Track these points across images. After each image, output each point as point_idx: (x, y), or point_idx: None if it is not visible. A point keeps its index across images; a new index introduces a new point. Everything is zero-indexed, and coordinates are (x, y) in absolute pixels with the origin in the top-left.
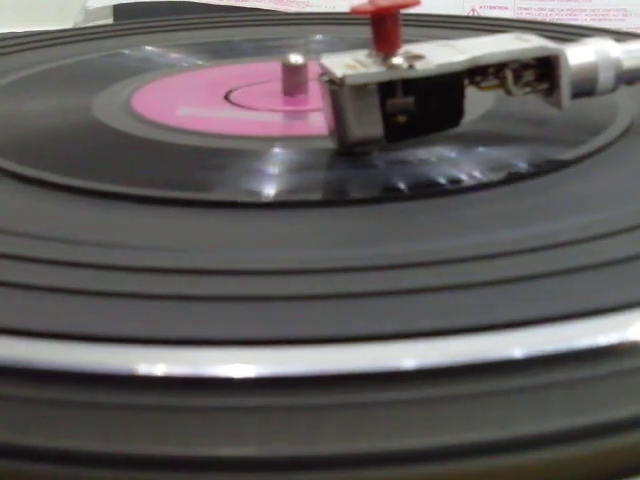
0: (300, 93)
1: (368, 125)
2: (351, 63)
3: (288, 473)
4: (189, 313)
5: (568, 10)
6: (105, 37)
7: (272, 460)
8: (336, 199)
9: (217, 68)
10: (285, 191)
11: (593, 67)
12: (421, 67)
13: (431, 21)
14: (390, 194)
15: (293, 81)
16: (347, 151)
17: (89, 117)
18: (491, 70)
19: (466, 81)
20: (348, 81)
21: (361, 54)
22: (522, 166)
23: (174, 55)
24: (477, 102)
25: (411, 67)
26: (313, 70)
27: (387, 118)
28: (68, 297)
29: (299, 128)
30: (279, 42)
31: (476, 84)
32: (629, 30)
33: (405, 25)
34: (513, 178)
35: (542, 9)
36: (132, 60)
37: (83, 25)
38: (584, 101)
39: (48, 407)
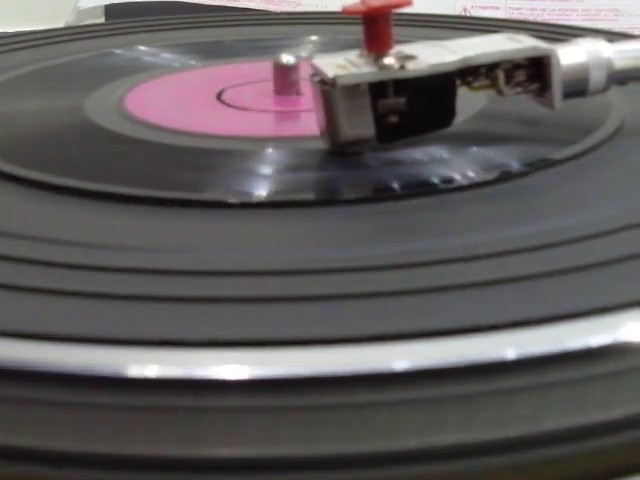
0: (292, 93)
1: (360, 125)
2: (342, 63)
3: (288, 473)
4: (187, 314)
5: (560, 10)
6: (97, 37)
7: (272, 460)
8: (328, 199)
9: (209, 68)
10: (277, 191)
11: (584, 67)
12: (413, 67)
13: (423, 21)
14: (382, 194)
15: (285, 81)
16: (339, 151)
17: (81, 117)
18: (483, 70)
19: (458, 81)
20: (340, 81)
21: (352, 54)
22: (514, 165)
23: (166, 55)
24: (469, 102)
25: (402, 67)
26: (305, 70)
27: (379, 118)
28: (60, 298)
29: (291, 128)
30: (271, 42)
31: (468, 84)
32: (621, 30)
33: (397, 25)
34: (505, 177)
35: (534, 9)
36: (124, 60)
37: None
38: (576, 101)
39: (47, 409)
